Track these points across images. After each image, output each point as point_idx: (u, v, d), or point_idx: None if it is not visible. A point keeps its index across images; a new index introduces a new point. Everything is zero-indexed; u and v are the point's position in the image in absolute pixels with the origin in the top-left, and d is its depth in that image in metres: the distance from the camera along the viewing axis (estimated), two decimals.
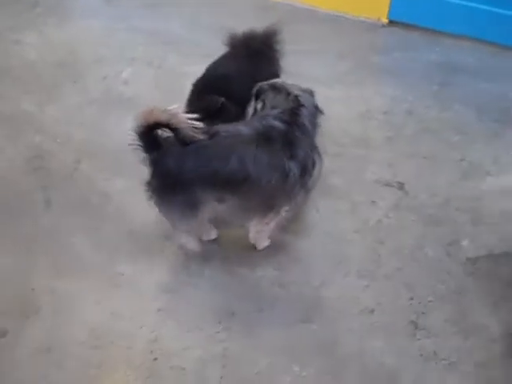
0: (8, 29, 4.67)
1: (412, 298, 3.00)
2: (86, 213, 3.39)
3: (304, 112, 2.85)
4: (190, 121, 2.62)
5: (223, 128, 2.76)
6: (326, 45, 4.56)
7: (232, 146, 2.72)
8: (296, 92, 2.90)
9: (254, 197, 2.85)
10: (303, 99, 2.88)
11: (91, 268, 3.14)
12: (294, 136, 2.80)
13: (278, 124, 2.78)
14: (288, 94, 2.90)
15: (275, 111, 2.83)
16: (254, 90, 3.01)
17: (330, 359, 2.79)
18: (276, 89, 2.94)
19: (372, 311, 2.96)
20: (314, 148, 2.90)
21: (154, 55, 4.45)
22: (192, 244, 3.13)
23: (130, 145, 2.72)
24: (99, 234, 3.29)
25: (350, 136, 3.80)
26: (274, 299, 3.00)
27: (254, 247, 3.19)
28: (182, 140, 2.64)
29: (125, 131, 3.53)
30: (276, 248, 3.21)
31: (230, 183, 2.75)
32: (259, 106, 2.97)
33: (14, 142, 3.78)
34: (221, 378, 2.73)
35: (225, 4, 4.94)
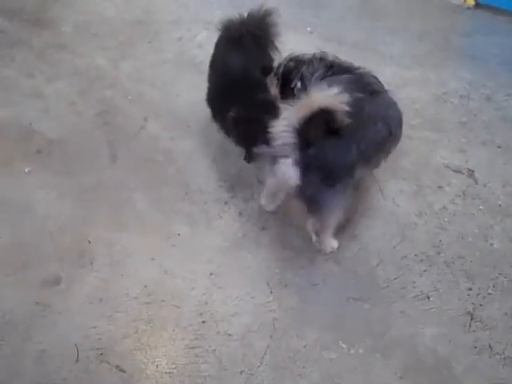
0: None
1: (471, 289, 2.90)
2: (149, 171, 3.40)
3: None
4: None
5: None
6: (408, 23, 4.41)
7: (368, 115, 2.70)
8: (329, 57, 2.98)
9: (387, 150, 2.90)
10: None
11: (149, 225, 3.16)
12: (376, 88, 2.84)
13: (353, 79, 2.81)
14: (319, 59, 2.97)
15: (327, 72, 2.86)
16: (281, 69, 3.06)
17: (380, 340, 2.73)
18: (303, 60, 3.02)
19: (427, 297, 2.87)
20: None
21: None
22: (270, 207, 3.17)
23: (283, 145, 2.62)
24: (159, 193, 3.30)
25: (423, 118, 3.67)
26: (327, 274, 2.96)
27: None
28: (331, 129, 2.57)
29: (194, 93, 3.59)
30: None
31: (381, 146, 2.81)
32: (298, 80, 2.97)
33: (85, 96, 3.82)
34: (267, 347, 2.71)
35: None
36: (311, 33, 4.25)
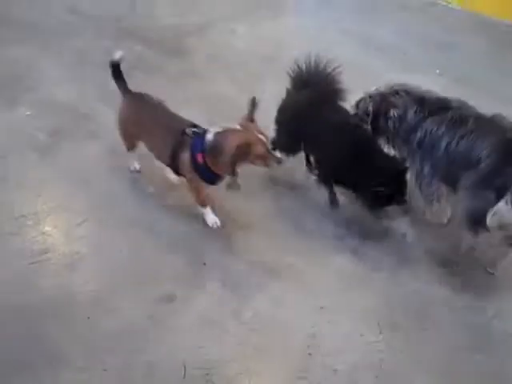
0: (225, 18, 4.89)
1: None
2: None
3: None
4: None
5: None
6: None
7: None
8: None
9: None
10: None
11: (264, 253, 3.21)
12: None
13: None
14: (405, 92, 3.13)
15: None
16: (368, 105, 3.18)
17: None
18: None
19: None
20: None
21: (359, 59, 4.44)
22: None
23: None
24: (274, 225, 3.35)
25: None
26: (440, 320, 2.89)
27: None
28: None
29: None
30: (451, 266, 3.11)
31: None
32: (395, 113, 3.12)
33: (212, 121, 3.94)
34: None
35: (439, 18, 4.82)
36: (441, 75, 4.19)
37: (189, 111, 3.98)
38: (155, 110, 3.26)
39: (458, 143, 2.89)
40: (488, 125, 2.90)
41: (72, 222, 3.34)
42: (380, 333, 2.85)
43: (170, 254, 3.19)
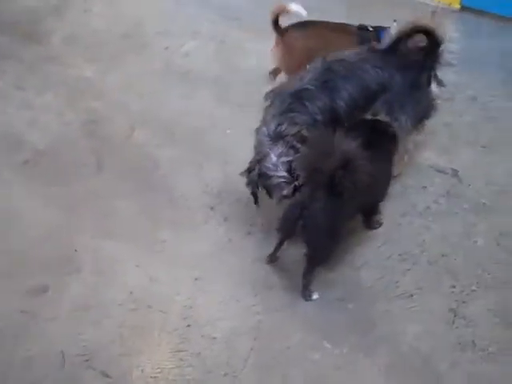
0: None
1: (454, 286, 2.91)
2: (135, 179, 3.44)
3: None
4: None
5: None
6: None
7: None
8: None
9: None
10: None
11: (134, 232, 3.19)
12: None
13: None
14: None
15: None
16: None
17: (363, 339, 2.74)
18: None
19: (411, 296, 2.88)
20: None
21: (219, 30, 4.45)
22: None
23: None
24: (145, 201, 3.33)
25: None
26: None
27: None
28: None
29: (180, 102, 3.63)
30: None
31: None
32: None
33: (73, 106, 3.87)
34: (251, 349, 2.71)
35: None
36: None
37: (49, 97, 3.93)
38: None
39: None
40: None
41: None
42: (255, 295, 2.91)
43: (39, 244, 3.11)
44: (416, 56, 3.07)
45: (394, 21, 3.34)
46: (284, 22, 3.50)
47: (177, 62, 4.19)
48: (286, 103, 2.95)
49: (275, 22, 3.47)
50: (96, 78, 4.09)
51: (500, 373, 2.63)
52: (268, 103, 3.04)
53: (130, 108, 3.85)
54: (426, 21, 2.98)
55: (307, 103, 2.96)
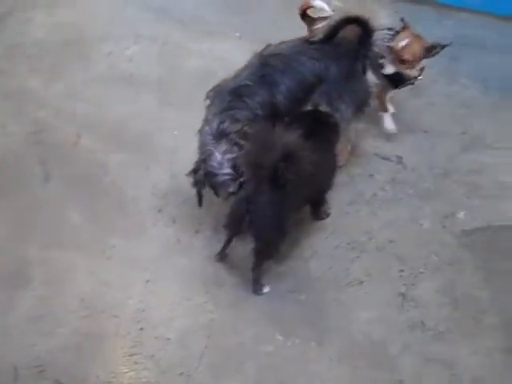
0: (19, 8, 4.70)
1: (403, 270, 2.97)
2: (83, 186, 3.42)
3: None
4: None
5: None
6: None
7: None
8: None
9: None
10: None
11: (84, 240, 3.17)
12: None
13: None
14: None
15: None
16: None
17: (316, 329, 2.78)
18: None
19: (361, 283, 2.93)
20: None
21: (161, 32, 4.44)
22: None
23: None
24: (94, 207, 3.32)
25: None
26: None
27: None
28: None
29: (125, 106, 3.62)
30: None
31: None
32: None
33: (17, 117, 3.83)
34: (204, 347, 2.73)
35: None
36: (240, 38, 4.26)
37: None
38: None
39: None
40: None
41: None
42: (206, 293, 2.92)
43: None
44: (350, 45, 3.10)
45: (401, 19, 3.34)
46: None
47: (120, 66, 4.16)
48: (226, 101, 2.98)
49: (303, 15, 3.52)
50: (40, 87, 4.04)
51: (450, 351, 2.68)
52: (209, 102, 3.06)
53: (76, 115, 3.82)
54: (358, 10, 3.01)
55: (247, 99, 2.98)
